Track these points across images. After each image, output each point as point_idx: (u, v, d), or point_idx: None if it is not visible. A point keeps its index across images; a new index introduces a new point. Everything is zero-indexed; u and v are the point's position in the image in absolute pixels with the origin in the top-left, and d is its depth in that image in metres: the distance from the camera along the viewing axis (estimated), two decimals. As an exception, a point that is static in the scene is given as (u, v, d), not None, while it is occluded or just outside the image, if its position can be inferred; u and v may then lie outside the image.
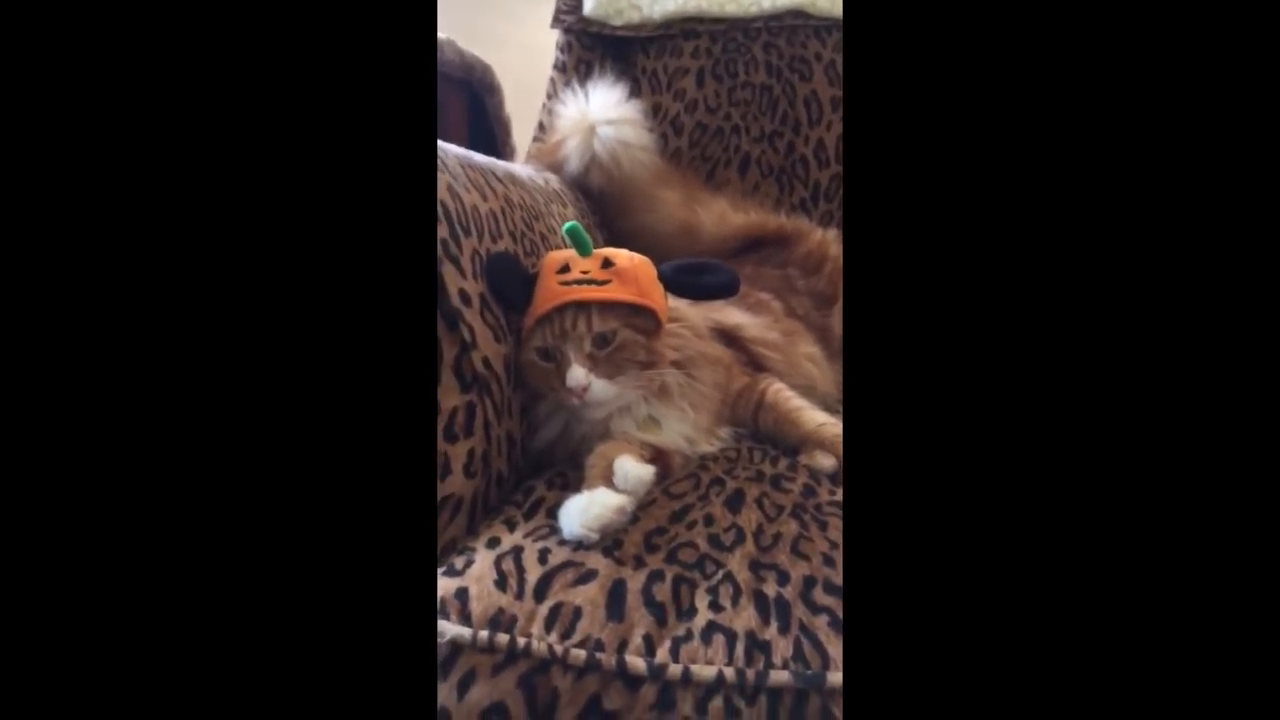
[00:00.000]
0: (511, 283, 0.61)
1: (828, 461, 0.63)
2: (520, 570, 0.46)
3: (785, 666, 0.41)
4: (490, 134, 1.45)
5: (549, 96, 1.16)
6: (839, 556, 0.49)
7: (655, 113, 1.12)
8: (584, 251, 0.62)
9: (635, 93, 1.11)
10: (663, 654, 0.42)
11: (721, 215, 1.01)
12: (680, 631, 0.43)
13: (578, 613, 0.44)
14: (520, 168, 0.87)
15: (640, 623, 0.44)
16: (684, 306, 0.71)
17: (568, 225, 0.62)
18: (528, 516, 0.53)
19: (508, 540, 0.49)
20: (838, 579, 0.47)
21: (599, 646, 0.42)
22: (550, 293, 0.60)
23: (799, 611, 0.44)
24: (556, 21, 1.17)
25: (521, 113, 1.39)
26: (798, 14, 1.10)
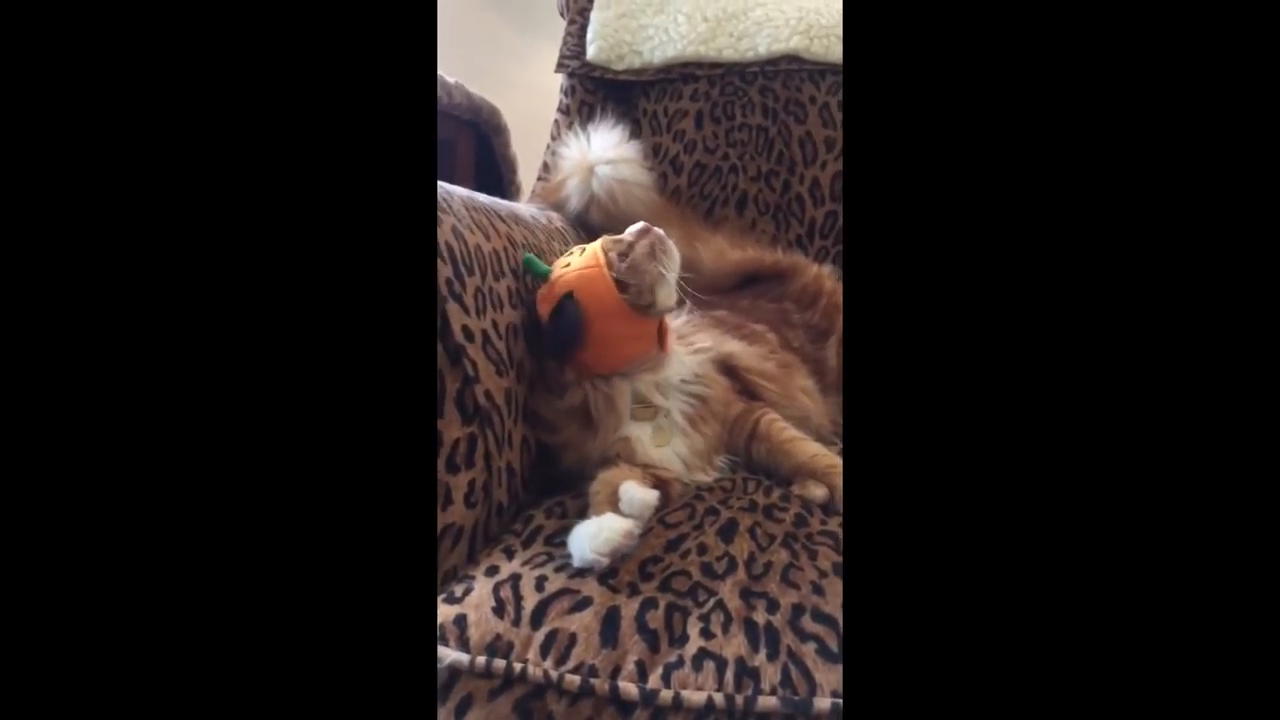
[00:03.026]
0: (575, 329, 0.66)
1: (819, 491, 0.64)
2: (518, 598, 0.48)
3: (773, 693, 0.42)
4: (497, 172, 1.50)
5: (553, 138, 1.20)
6: (828, 585, 0.50)
7: (656, 153, 1.16)
8: (545, 272, 0.70)
9: (636, 134, 1.15)
10: (655, 680, 0.43)
11: (720, 251, 1.03)
12: (672, 658, 0.45)
13: (573, 639, 0.45)
14: (524, 207, 0.90)
15: (634, 649, 0.45)
16: (696, 335, 0.75)
17: (526, 258, 0.71)
18: (526, 544, 0.55)
19: (506, 568, 0.51)
20: (826, 607, 0.48)
21: (593, 672, 0.44)
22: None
23: (788, 639, 0.45)
24: (560, 66, 1.21)
25: (528, 152, 1.44)
26: (792, 59, 1.14)
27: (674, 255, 0.68)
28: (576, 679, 0.43)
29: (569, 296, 0.65)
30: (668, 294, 0.67)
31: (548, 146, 1.19)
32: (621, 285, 0.66)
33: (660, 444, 0.67)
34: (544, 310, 0.67)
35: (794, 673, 0.43)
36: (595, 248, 0.68)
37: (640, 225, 0.68)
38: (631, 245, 0.67)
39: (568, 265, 0.68)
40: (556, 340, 0.66)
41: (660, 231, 0.68)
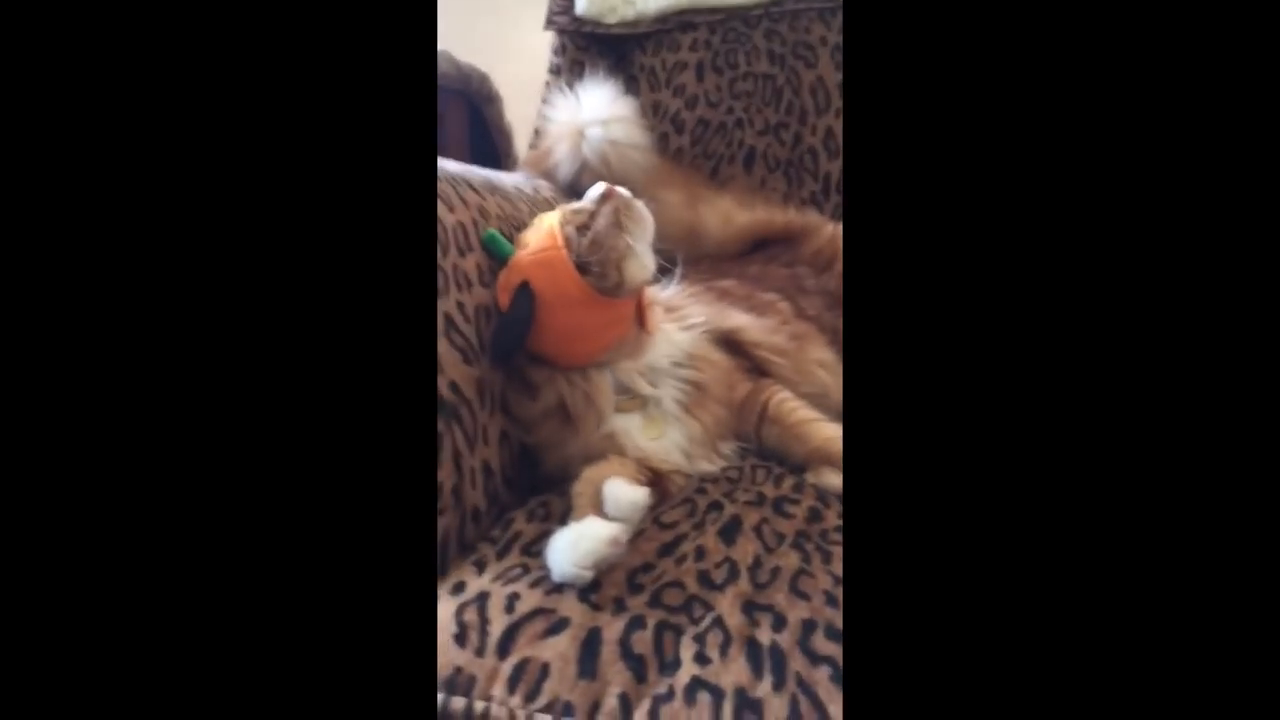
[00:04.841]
0: (518, 327, 0.57)
1: (836, 479, 0.57)
2: (483, 622, 0.42)
3: (778, 732, 0.36)
4: (493, 144, 1.42)
5: (544, 101, 1.11)
6: (843, 594, 0.43)
7: (655, 111, 1.07)
8: (508, 251, 0.61)
9: (633, 91, 1.06)
10: (640, 717, 0.37)
11: (726, 215, 0.95)
12: (661, 689, 0.38)
13: (545, 670, 0.39)
14: (507, 176, 0.83)
15: (615, 680, 0.39)
16: (689, 308, 0.68)
17: (487, 235, 0.62)
18: (500, 555, 0.49)
19: (474, 585, 0.45)
20: (841, 622, 0.41)
21: (568, 710, 0.38)
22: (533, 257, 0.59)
23: (796, 663, 0.39)
24: (549, 23, 1.13)
25: (530, 120, 1.35)
26: (799, -3, 1.04)
27: (645, 221, 0.59)
28: (548, 719, 0.37)
29: (524, 286, 0.57)
30: (638, 268, 0.58)
31: (539, 111, 1.11)
32: (583, 268, 0.57)
33: (654, 436, 0.59)
34: (504, 300, 0.59)
35: (804, 705, 0.37)
36: (553, 221, 0.59)
37: (600, 189, 0.59)
38: (592, 215, 0.58)
39: (525, 244, 0.59)
40: (497, 341, 0.58)
41: (625, 193, 0.59)
